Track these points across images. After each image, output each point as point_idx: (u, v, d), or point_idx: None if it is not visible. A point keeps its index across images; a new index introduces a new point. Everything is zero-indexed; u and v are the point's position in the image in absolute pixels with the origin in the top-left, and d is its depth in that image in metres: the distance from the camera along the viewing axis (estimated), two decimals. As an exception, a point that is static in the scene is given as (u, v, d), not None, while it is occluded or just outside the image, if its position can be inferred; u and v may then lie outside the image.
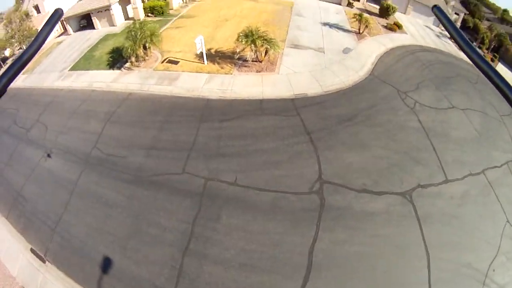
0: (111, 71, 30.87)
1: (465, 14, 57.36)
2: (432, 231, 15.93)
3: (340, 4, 46.66)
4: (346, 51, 30.42)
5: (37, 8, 60.47)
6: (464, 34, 1.66)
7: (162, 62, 29.81)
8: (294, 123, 21.12)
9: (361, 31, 35.54)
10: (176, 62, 29.19)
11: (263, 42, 25.51)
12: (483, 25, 57.21)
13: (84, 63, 35.36)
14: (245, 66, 26.91)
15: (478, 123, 25.25)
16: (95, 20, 46.10)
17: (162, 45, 30.90)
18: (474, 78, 32.54)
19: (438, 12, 1.79)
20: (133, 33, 28.78)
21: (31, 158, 23.38)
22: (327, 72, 26.68)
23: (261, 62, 26.91)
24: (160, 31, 33.21)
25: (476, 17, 62.41)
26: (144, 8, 44.29)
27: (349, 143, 20.12)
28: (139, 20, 41.40)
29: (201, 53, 27.24)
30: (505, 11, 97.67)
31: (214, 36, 32.68)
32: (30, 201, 20.12)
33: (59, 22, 58.58)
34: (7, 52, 60.46)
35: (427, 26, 47.05)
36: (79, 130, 24.17)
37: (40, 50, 1.77)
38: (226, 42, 31.10)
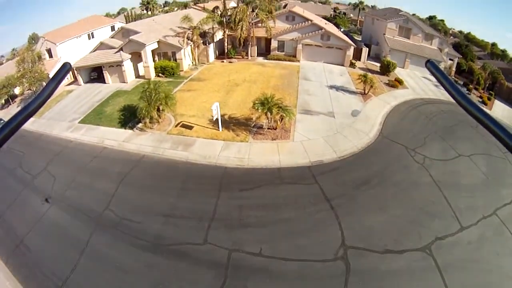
0: (123, 130, 31.05)
1: (458, 58, 60.14)
2: (454, 279, 16.03)
3: (343, 65, 48.47)
4: (354, 113, 31.15)
5: (49, 52, 61.22)
6: (459, 86, 1.75)
7: (176, 126, 29.83)
8: (313, 191, 21.18)
9: (366, 92, 36.68)
10: (190, 127, 29.20)
11: (279, 110, 25.78)
12: (477, 65, 58.97)
13: (95, 117, 35.30)
14: (260, 134, 27.14)
15: (484, 165, 26.37)
16: (106, 74, 46.49)
17: (175, 108, 31.03)
18: (475, 122, 32.85)
19: (431, 67, 1.80)
20: (147, 93, 28.82)
21: (37, 207, 22.88)
22: (340, 137, 27.19)
23: (275, 129, 27.22)
24: (172, 93, 33.56)
25: (469, 58, 64.62)
26: (155, 68, 44.73)
27: (368, 206, 20.35)
28: (150, 79, 42.38)
29: (217, 119, 27.27)
30: (493, 45, 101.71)
31: (226, 101, 33.05)
32: (34, 252, 19.44)
33: (70, 72, 59.64)
34: (16, 90, 60.91)
35: (425, 77, 49.16)
36: (90, 188, 23.67)
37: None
38: (238, 108, 31.56)
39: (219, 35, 52.07)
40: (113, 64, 44.96)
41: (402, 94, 39.78)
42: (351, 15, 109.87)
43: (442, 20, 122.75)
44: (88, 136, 31.30)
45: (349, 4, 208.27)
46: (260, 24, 49.53)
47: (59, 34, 64.84)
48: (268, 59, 49.43)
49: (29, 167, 29.29)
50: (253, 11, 48.76)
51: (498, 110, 44.20)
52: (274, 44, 50.78)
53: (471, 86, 50.91)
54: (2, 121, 53.25)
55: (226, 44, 50.83)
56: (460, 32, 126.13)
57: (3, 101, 58.28)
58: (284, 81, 38.69)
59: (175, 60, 45.98)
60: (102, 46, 49.29)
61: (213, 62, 50.67)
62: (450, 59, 59.45)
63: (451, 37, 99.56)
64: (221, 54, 53.51)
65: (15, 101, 60.32)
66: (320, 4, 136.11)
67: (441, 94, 40.95)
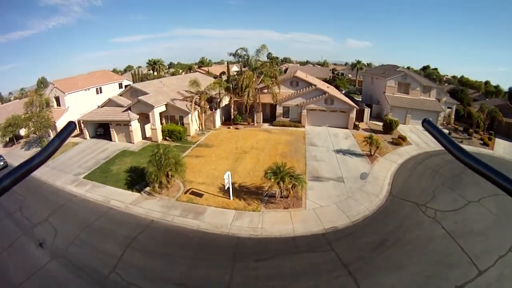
0: (130, 192, 30.71)
1: (456, 104, 61.58)
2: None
3: (347, 128, 49.40)
4: (363, 176, 31.22)
5: (57, 100, 62.25)
6: (456, 141, 1.70)
7: (185, 192, 29.40)
8: (330, 258, 20.84)
9: (372, 153, 37.16)
10: (200, 195, 28.72)
11: (291, 179, 25.55)
12: (474, 108, 59.85)
13: (101, 175, 35.13)
14: (272, 203, 26.69)
15: (493, 207, 26.88)
16: (113, 132, 46.78)
17: (184, 174, 30.63)
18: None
19: (428, 126, 1.82)
20: (157, 158, 28.66)
21: (35, 257, 22.41)
22: (351, 201, 27.06)
23: (287, 197, 26.87)
24: (180, 158, 33.17)
25: (466, 102, 66.28)
26: (162, 131, 45.04)
27: (386, 267, 20.11)
28: (157, 142, 43.14)
29: (228, 188, 26.92)
30: (487, 83, 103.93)
31: (235, 169, 32.91)
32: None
33: (76, 122, 59.65)
34: (22, 132, 61.79)
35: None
36: (95, 247, 23.13)
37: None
38: (248, 176, 31.45)
39: (225, 101, 52.78)
40: (121, 123, 45.36)
41: (407, 150, 40.55)
42: (350, 75, 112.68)
43: (436, 69, 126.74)
44: (93, 194, 31.03)
45: (345, 64, 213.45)
46: (265, 90, 50.52)
47: (68, 83, 66.28)
48: (274, 125, 50.32)
49: (30, 214, 29.21)
50: (258, 77, 49.78)
51: (500, 148, 45.30)
52: (279, 110, 51.57)
53: (471, 130, 52.00)
54: (1, 158, 53.82)
55: (232, 110, 51.59)
56: (454, 77, 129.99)
57: (7, 139, 58.64)
58: (291, 148, 39.04)
59: (183, 124, 46.33)
60: (110, 102, 49.97)
61: (219, 128, 51.15)
62: (448, 107, 61.06)
63: (446, 84, 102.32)
64: (227, 120, 54.11)
65: (19, 142, 61.53)
66: (319, 66, 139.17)
67: (443, 144, 42.65)
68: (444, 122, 59.04)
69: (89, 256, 22.18)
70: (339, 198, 27.46)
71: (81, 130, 55.75)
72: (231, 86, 49.93)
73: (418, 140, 45.23)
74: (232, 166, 33.34)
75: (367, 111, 54.79)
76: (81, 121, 52.66)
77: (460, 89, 75.88)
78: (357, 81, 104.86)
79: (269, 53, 66.61)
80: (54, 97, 61.91)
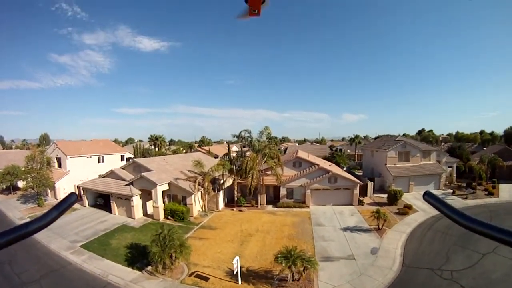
0: (130, 269, 29.49)
1: (456, 162, 62.89)
2: None
3: (351, 204, 48.92)
4: (373, 251, 30.70)
5: (59, 160, 63.04)
6: (458, 209, 1.66)
7: (190, 275, 28.28)
8: None
9: (380, 227, 36.79)
10: (206, 278, 27.60)
11: (303, 262, 24.79)
12: (474, 160, 61.09)
13: (99, 247, 34.23)
14: (283, 286, 25.50)
15: (509, 251, 26.97)
16: (113, 205, 46.43)
17: (189, 257, 29.44)
18: (487, 214, 40.13)
19: (429, 198, 1.79)
20: (161, 238, 27.96)
21: None
22: (365, 278, 26.19)
23: (298, 280, 25.86)
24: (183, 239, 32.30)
25: (465, 157, 67.35)
26: (164, 209, 44.26)
27: None
28: (159, 220, 42.59)
29: (237, 273, 26.02)
30: (482, 133, 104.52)
31: (242, 252, 32.02)
32: None
33: (75, 187, 59.20)
34: (20, 184, 63.34)
35: None
36: None
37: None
38: (256, 259, 30.51)
39: (228, 182, 52.39)
40: (122, 197, 44.99)
41: (414, 218, 40.63)
42: (348, 150, 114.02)
43: (431, 131, 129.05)
44: (91, 265, 29.96)
45: (343, 139, 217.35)
46: (268, 172, 50.25)
47: (72, 147, 67.30)
48: (278, 207, 49.16)
49: (20, 270, 28.79)
50: (261, 158, 50.02)
51: (505, 194, 46.13)
52: (283, 191, 50.91)
53: (474, 183, 52.58)
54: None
55: (235, 192, 51.06)
56: (449, 135, 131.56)
57: (4, 186, 60.54)
58: (298, 229, 38.33)
59: (185, 204, 45.33)
60: (112, 174, 50.23)
61: (222, 209, 50.02)
62: (449, 167, 62.10)
63: (443, 143, 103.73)
64: (230, 202, 53.22)
65: (16, 193, 63.07)
66: (318, 144, 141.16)
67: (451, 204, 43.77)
68: (447, 182, 59.76)
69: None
70: (351, 276, 26.61)
71: (80, 196, 55.39)
72: (234, 167, 50.05)
73: (423, 206, 45.38)
74: (238, 250, 32.67)
75: (370, 185, 54.76)
76: (81, 187, 52.52)
77: (457, 145, 78.10)
78: (356, 155, 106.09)
79: (268, 133, 67.81)
80: (56, 157, 62.81)
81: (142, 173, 44.33)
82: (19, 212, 49.32)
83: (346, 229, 37.72)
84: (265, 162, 50.02)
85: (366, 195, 53.03)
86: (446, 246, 31.08)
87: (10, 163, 68.88)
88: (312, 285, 25.22)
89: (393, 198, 47.70)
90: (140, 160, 52.20)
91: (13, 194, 63.51)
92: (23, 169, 60.73)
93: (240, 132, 51.62)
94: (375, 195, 54.56)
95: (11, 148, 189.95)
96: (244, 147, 54.08)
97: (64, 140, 75.34)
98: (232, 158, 53.62)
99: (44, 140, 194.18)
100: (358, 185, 49.43)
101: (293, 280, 25.53)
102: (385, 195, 50.88)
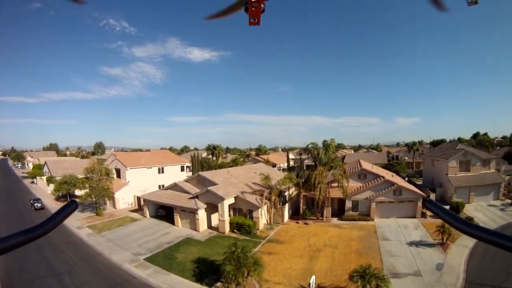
0: (198, 285, 28.89)
1: None
2: None
3: (415, 217, 47.31)
4: (439, 267, 29.32)
5: (118, 172, 64.92)
6: (458, 215, 1.67)
7: None
8: None
9: (444, 241, 35.67)
10: None
11: (376, 280, 24.11)
12: None
13: (164, 261, 33.81)
14: None
15: None
16: (176, 217, 46.58)
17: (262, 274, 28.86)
18: None
19: (430, 205, 1.78)
20: (234, 256, 27.30)
21: None
22: None
23: None
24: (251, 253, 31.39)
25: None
26: (230, 223, 43.95)
27: None
28: (224, 233, 42.42)
29: None
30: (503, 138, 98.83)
31: (312, 268, 31.36)
32: None
33: (135, 197, 61.04)
34: (76, 192, 64.60)
35: (490, 205, 50.27)
36: None
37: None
38: (326, 276, 29.77)
39: (292, 194, 52.02)
40: (186, 210, 45.04)
41: None
42: (406, 158, 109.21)
43: (486, 134, 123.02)
44: (157, 280, 29.51)
45: (397, 145, 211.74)
46: (334, 184, 49.39)
47: (131, 158, 69.27)
48: (343, 220, 47.93)
49: (80, 283, 28.77)
50: (328, 170, 49.19)
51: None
52: (348, 204, 49.86)
53: None
54: (40, 200, 61.21)
55: (301, 205, 50.35)
56: (504, 137, 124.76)
57: (60, 194, 62.88)
58: (365, 244, 37.54)
59: (251, 217, 44.78)
60: (175, 187, 50.51)
61: (287, 222, 49.54)
62: (507, 175, 60.05)
63: (498, 148, 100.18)
64: (294, 214, 52.70)
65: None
66: (374, 151, 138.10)
67: (508, 216, 44.62)
68: (505, 192, 56.99)
69: None
70: None
71: (140, 206, 57.19)
72: (301, 181, 49.50)
73: (484, 218, 44.46)
74: (308, 265, 31.99)
75: (432, 196, 53.17)
76: (142, 198, 53.63)
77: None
78: (414, 163, 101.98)
79: (324, 140, 67.45)
80: (115, 168, 64.41)
81: (209, 188, 44.10)
82: (76, 221, 50.17)
83: (411, 243, 36.79)
84: (332, 175, 49.10)
85: None
86: (507, 261, 29.30)
87: (66, 171, 72.60)
88: (385, 304, 24.49)
89: (455, 211, 45.32)
90: (205, 174, 52.18)
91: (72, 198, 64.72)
92: (79, 176, 63.60)
93: (307, 145, 51.73)
94: None
95: (65, 155, 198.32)
96: (303, 154, 53.31)
97: (123, 151, 77.94)
98: (298, 171, 53.51)
99: (99, 148, 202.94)
100: (421, 197, 47.62)
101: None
102: (447, 207, 48.77)
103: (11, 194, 79.23)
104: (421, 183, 70.46)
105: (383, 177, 49.89)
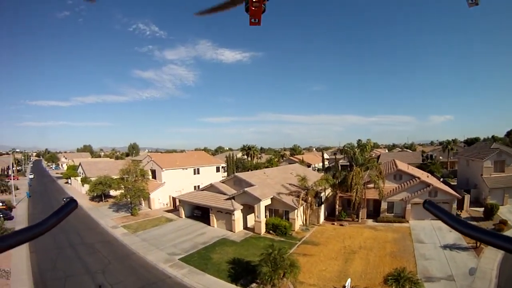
0: (233, 286, 29.11)
1: None
2: None
3: None
4: (471, 271, 28.86)
5: (153, 173, 66.34)
6: (459, 217, 1.72)
7: None
8: None
9: (478, 245, 35.07)
10: None
11: (411, 284, 24.09)
12: None
13: (200, 261, 34.09)
14: None
15: None
16: (212, 218, 47.04)
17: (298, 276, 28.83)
18: None
19: (429, 206, 1.85)
20: (271, 258, 27.39)
21: None
22: None
23: None
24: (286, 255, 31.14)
25: None
26: (266, 224, 44.09)
27: None
28: (259, 234, 42.68)
29: None
30: None
31: (346, 270, 31.45)
32: None
33: (170, 198, 62.08)
34: (111, 192, 67.16)
35: None
36: None
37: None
38: (361, 279, 29.73)
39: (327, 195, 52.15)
40: (223, 210, 45.39)
41: (510, 235, 37.95)
42: (440, 157, 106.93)
43: None
44: (192, 280, 29.79)
45: (431, 143, 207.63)
46: (370, 185, 49.08)
47: (167, 160, 70.69)
48: (378, 222, 47.94)
49: (115, 281, 29.35)
50: (365, 171, 48.97)
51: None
52: (383, 205, 49.32)
53: None
54: (68, 199, 63.74)
55: (337, 206, 50.14)
56: None
57: (94, 194, 65.08)
58: (400, 247, 37.26)
59: (287, 218, 44.62)
60: (211, 188, 51.15)
61: (323, 223, 49.35)
62: None
63: None
64: (330, 215, 52.52)
65: (107, 200, 67.13)
66: (409, 150, 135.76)
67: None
68: None
69: None
70: None
71: (175, 207, 58.17)
72: (336, 181, 49.34)
73: None
74: (342, 268, 32.08)
75: (467, 198, 51.49)
76: (177, 199, 54.53)
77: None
78: (448, 163, 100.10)
79: (359, 140, 67.26)
80: (151, 169, 65.84)
81: (245, 189, 44.48)
82: (111, 221, 51.56)
83: (445, 246, 36.26)
84: (369, 176, 48.88)
85: (462, 209, 49.85)
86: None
87: (101, 172, 75.24)
88: (416, 301, 24.28)
89: (489, 213, 44.79)
90: (241, 175, 52.58)
91: (104, 202, 67.26)
92: (114, 177, 65.89)
93: (344, 146, 51.91)
94: (471, 208, 51.30)
95: (99, 156, 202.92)
96: (344, 158, 53.38)
97: (157, 152, 79.53)
98: (335, 172, 53.53)
99: (133, 149, 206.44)
100: (456, 199, 46.74)
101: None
102: (481, 209, 48.00)
103: (45, 194, 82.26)
104: (455, 183, 68.97)
105: (418, 178, 49.12)
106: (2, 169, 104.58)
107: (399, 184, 50.71)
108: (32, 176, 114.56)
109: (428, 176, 54.26)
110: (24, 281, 28.74)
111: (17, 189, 74.67)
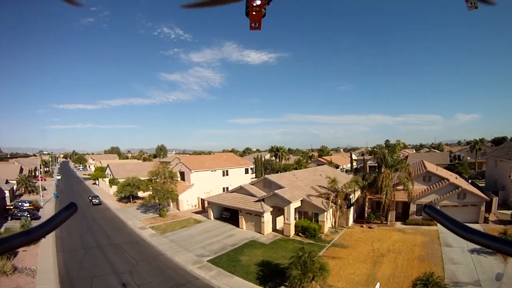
0: None
1: None
2: None
3: (477, 222, 45.59)
4: (498, 277, 28.31)
5: (182, 174, 67.12)
6: (460, 222, 1.66)
7: None
8: None
9: None
10: None
11: None
12: None
13: (228, 263, 34.25)
14: None
15: None
16: (241, 220, 47.29)
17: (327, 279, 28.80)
18: None
19: (430, 211, 1.78)
20: (301, 261, 27.44)
21: None
22: None
23: None
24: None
25: None
26: (295, 226, 44.14)
27: None
28: (289, 236, 42.81)
29: None
30: None
31: (374, 274, 31.49)
32: None
33: (199, 199, 63.02)
34: (139, 193, 68.15)
35: None
36: None
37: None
38: (388, 282, 29.72)
39: (356, 197, 52.21)
40: (252, 212, 45.60)
41: None
42: (468, 158, 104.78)
43: None
44: (220, 282, 29.97)
45: (458, 143, 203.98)
46: (399, 187, 48.61)
47: (195, 161, 71.62)
48: (407, 224, 47.63)
49: (142, 282, 29.57)
50: (394, 172, 48.62)
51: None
52: (412, 208, 48.74)
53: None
54: (97, 197, 68.33)
55: (366, 209, 50.21)
56: None
57: (122, 195, 66.15)
58: (428, 250, 37.03)
59: (317, 221, 44.69)
60: (241, 190, 51.44)
61: (352, 226, 49.52)
62: None
63: None
64: (359, 217, 52.79)
65: (135, 201, 68.06)
66: (436, 151, 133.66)
67: None
68: None
69: None
70: None
71: (203, 208, 59.09)
72: (366, 184, 49.43)
73: None
74: (371, 271, 32.11)
75: (495, 200, 50.10)
76: (206, 200, 55.29)
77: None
78: (476, 163, 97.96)
79: (387, 140, 66.52)
80: (179, 171, 66.26)
81: (275, 191, 44.68)
82: (139, 222, 52.19)
83: (473, 251, 35.69)
84: (398, 178, 48.48)
85: (490, 211, 48.39)
86: None
87: (129, 173, 76.66)
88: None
89: None
90: (271, 177, 52.96)
91: (132, 203, 68.20)
92: (142, 179, 66.80)
93: (373, 147, 51.81)
94: (498, 211, 50.06)
95: (127, 157, 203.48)
96: (372, 159, 53.23)
97: (185, 153, 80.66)
98: (364, 174, 53.56)
99: (161, 150, 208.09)
100: (485, 201, 45.94)
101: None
102: (509, 212, 46.97)
103: (72, 194, 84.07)
104: (483, 185, 67.48)
105: (447, 179, 48.51)
106: (30, 170, 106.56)
107: (428, 186, 50.15)
108: (59, 177, 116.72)
109: (456, 178, 53.48)
110: (50, 280, 29.33)
111: (45, 189, 76.01)
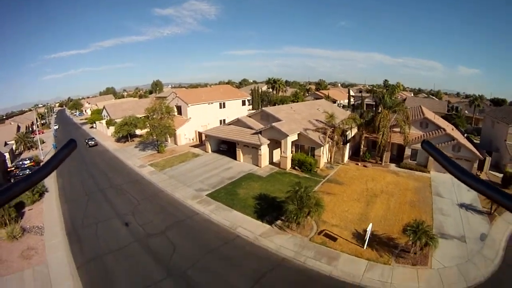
0: (259, 222, 29.98)
1: None
2: None
3: None
4: (482, 237, 29.32)
5: (179, 109, 66.71)
6: (455, 161, 1.70)
7: (319, 233, 28.32)
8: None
9: (492, 211, 34.80)
10: (334, 239, 27.55)
11: (427, 238, 24.84)
12: None
13: (226, 197, 35.04)
14: (402, 257, 25.72)
15: None
16: (239, 152, 47.95)
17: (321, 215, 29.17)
18: None
19: (427, 147, 1.84)
20: (297, 196, 28.03)
21: (151, 271, 22.76)
22: (470, 265, 25.41)
23: (415, 254, 25.98)
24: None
25: None
26: (292, 159, 44.82)
27: None
28: (285, 169, 43.59)
29: (366, 239, 26.12)
30: None
31: (367, 214, 32.07)
32: None
33: (196, 133, 63.53)
34: (137, 131, 68.80)
35: None
36: (219, 276, 22.40)
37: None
38: (380, 223, 30.30)
39: (352, 133, 52.42)
40: (249, 145, 45.96)
41: None
42: (466, 111, 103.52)
43: None
44: (219, 216, 30.91)
45: (457, 94, 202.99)
46: (395, 129, 48.75)
47: (192, 95, 70.70)
48: (401, 167, 48.07)
49: (144, 221, 30.43)
50: (392, 113, 48.39)
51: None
52: (407, 152, 49.35)
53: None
54: (93, 138, 69.42)
55: (362, 147, 50.83)
56: None
57: (120, 135, 66.03)
58: (419, 197, 37.51)
59: (313, 155, 45.47)
60: (238, 122, 51.55)
61: (347, 163, 50.02)
62: None
63: None
64: (354, 155, 53.18)
65: (133, 140, 67.99)
66: (434, 98, 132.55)
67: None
68: None
69: (213, 282, 21.71)
70: (460, 260, 25.92)
71: (201, 141, 59.77)
72: (363, 122, 49.40)
73: None
74: (364, 210, 32.73)
75: (488, 160, 50.31)
76: (204, 134, 55.20)
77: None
78: (473, 118, 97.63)
79: (385, 80, 65.05)
80: (176, 105, 66.10)
81: (273, 124, 44.80)
82: (138, 160, 52.48)
83: (461, 205, 36.24)
84: (395, 120, 48.32)
85: (482, 170, 48.94)
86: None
87: (126, 113, 76.19)
88: (427, 261, 25.25)
89: (508, 181, 43.33)
90: (269, 109, 52.66)
91: (131, 141, 68.26)
92: (139, 116, 67.08)
93: (372, 86, 51.14)
94: (490, 171, 50.18)
95: (122, 96, 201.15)
96: (369, 97, 52.61)
97: (180, 87, 79.70)
98: (362, 112, 53.33)
99: (157, 86, 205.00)
100: (478, 159, 46.28)
101: (412, 253, 25.87)
102: (500, 174, 46.56)
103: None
104: (478, 142, 68.03)
105: (444, 129, 48.60)
106: (27, 126, 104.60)
107: (424, 133, 50.52)
108: (56, 127, 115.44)
109: (453, 129, 53.73)
110: (57, 233, 29.64)
111: (43, 142, 75.85)
